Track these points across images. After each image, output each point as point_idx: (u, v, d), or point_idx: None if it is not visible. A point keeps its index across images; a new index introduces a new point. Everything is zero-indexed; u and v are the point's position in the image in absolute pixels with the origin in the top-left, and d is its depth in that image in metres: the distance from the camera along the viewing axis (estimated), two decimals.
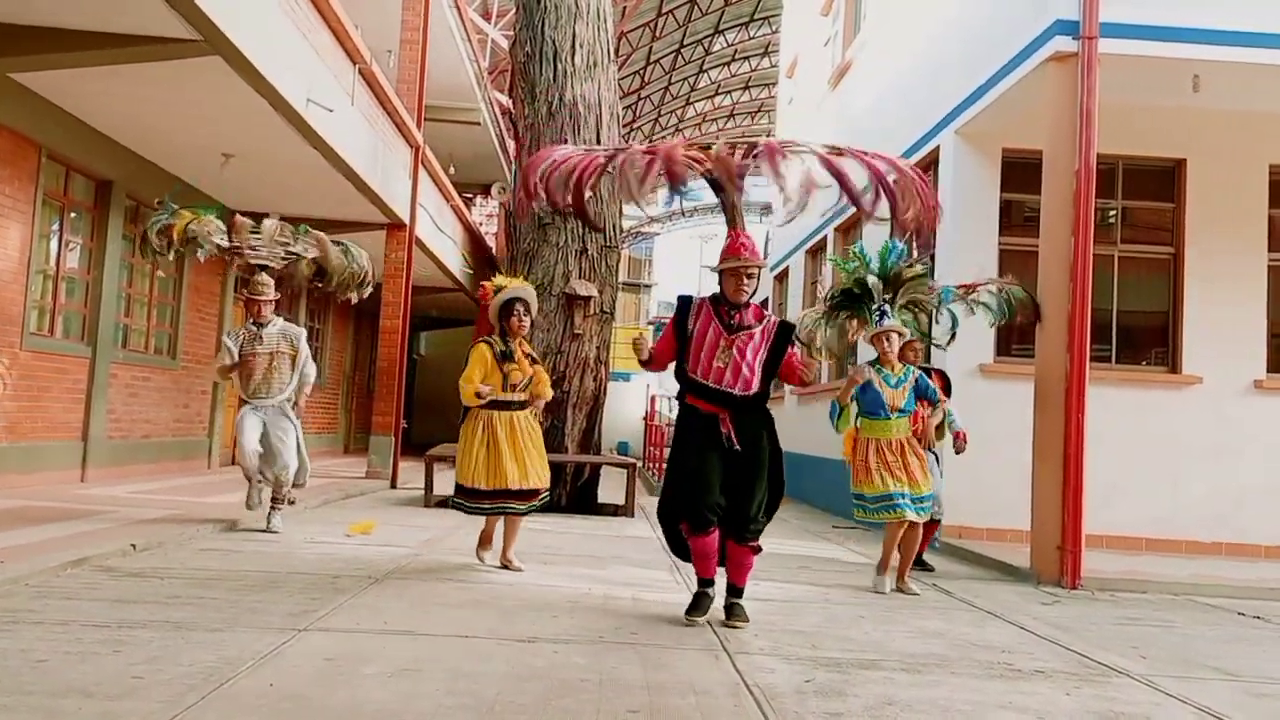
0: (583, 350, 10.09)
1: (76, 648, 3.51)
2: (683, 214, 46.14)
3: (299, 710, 2.94)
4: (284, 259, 7.28)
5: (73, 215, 9.49)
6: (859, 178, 4.70)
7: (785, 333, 4.86)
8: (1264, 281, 9.05)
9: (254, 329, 6.99)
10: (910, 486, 5.93)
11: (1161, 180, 9.18)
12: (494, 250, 22.18)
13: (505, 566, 5.94)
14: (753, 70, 36.52)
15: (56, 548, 5.44)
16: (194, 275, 11.75)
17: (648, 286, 46.04)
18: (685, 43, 32.84)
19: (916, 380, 6.10)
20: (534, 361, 6.04)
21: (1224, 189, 9.00)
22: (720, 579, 4.87)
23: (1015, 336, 8.95)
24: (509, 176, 19.48)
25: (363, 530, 7.37)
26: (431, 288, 18.19)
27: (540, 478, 5.89)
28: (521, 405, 5.92)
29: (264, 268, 7.14)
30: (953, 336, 7.32)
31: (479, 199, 24.88)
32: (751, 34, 32.97)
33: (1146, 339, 9.30)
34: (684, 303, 4.91)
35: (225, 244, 7.10)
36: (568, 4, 10.29)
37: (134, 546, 5.75)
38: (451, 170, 18.47)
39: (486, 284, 6.11)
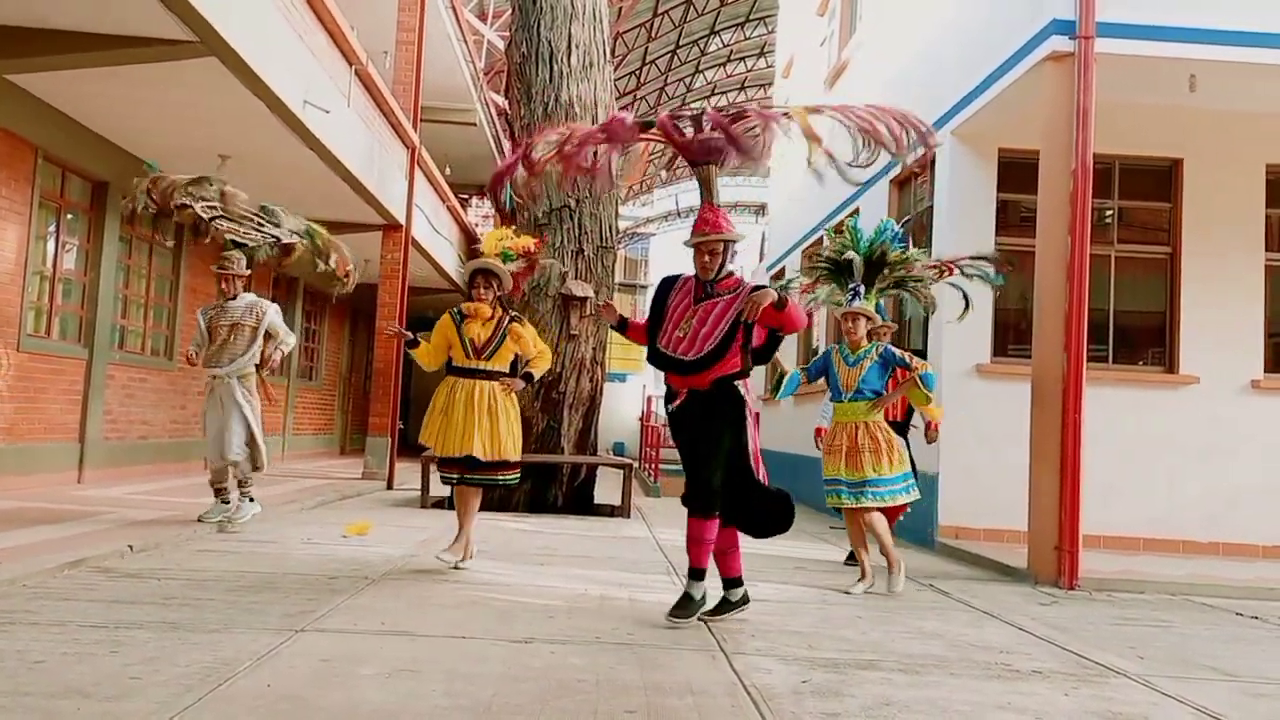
0: (579, 351, 10.10)
1: (74, 648, 3.51)
2: (679, 214, 46.23)
3: (296, 711, 2.94)
4: (262, 240, 7.26)
5: (69, 217, 9.48)
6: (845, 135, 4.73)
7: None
8: (1261, 281, 9.06)
9: (220, 303, 7.12)
10: (849, 473, 5.98)
11: (1158, 180, 9.19)
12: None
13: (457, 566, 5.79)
14: (748, 71, 36.58)
15: (53, 549, 5.43)
16: (190, 277, 11.74)
17: (643, 287, 46.03)
18: (681, 43, 32.89)
19: (881, 355, 6.08)
20: (511, 336, 5.84)
21: (1221, 189, 9.01)
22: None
23: (1012, 337, 8.96)
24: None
25: (359, 531, 7.36)
26: (428, 289, 18.19)
27: (496, 451, 5.68)
28: (488, 375, 5.77)
29: (238, 244, 7.15)
30: (967, 307, 7.35)
31: (475, 200, 24.88)
32: (747, 34, 33.02)
33: (1143, 339, 9.31)
34: (668, 281, 4.86)
35: (209, 211, 7.01)
36: (563, 5, 10.29)
37: (131, 548, 5.74)
38: (447, 171, 18.46)
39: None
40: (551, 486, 10.01)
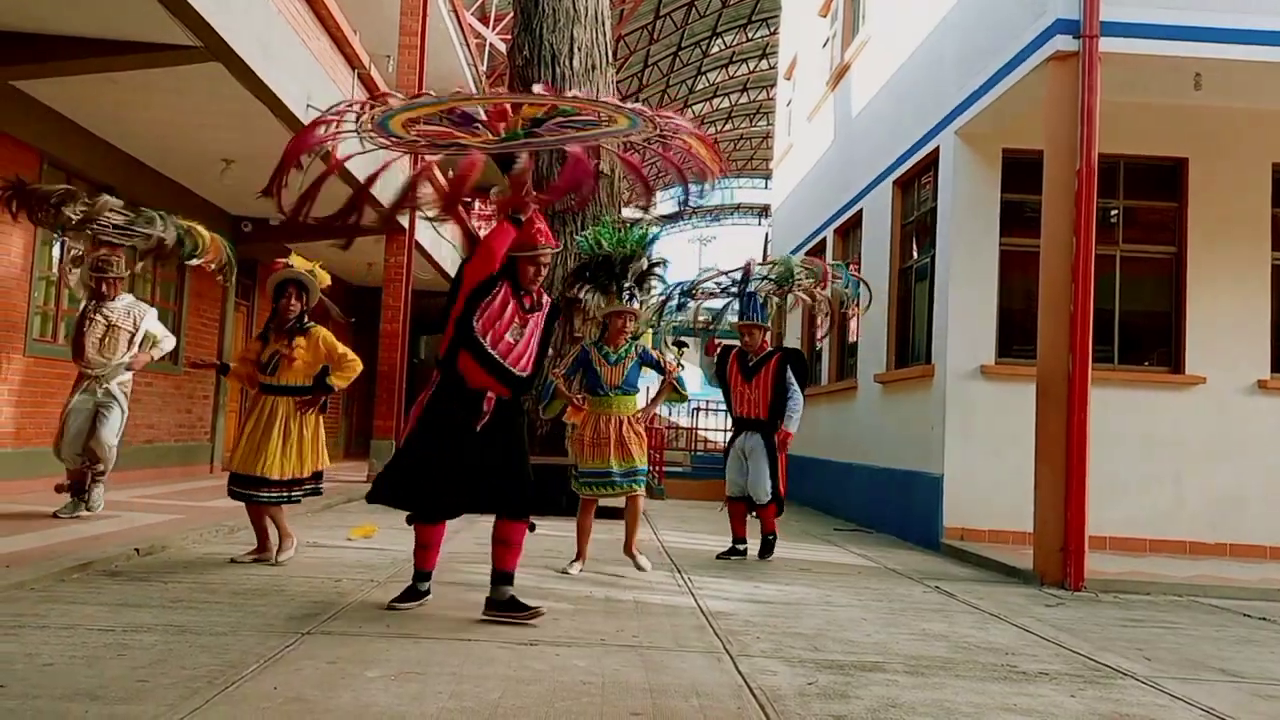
0: None
1: (82, 651, 3.52)
2: (681, 216, 46.19)
3: (303, 713, 2.94)
4: (126, 236, 7.24)
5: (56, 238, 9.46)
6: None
7: (555, 314, 4.81)
8: (1268, 281, 9.03)
9: (96, 304, 7.18)
10: (619, 462, 6.16)
11: (1164, 179, 9.17)
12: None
13: (275, 561, 5.80)
14: (750, 72, 36.59)
15: (61, 553, 5.45)
16: (195, 281, 11.76)
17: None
18: (683, 45, 32.91)
19: (640, 354, 6.38)
20: (292, 345, 5.79)
21: (1227, 188, 8.99)
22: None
23: (1017, 337, 8.95)
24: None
25: (364, 534, 7.37)
26: (431, 292, 18.18)
27: (298, 469, 5.71)
28: (286, 391, 5.74)
29: (112, 245, 7.18)
30: (857, 300, 8.07)
31: (477, 203, 24.89)
32: (749, 36, 33.04)
33: (1149, 339, 9.28)
34: (493, 278, 4.57)
35: (76, 216, 7.01)
36: (565, 7, 10.31)
37: (138, 551, 5.75)
38: (450, 174, 18.45)
39: (280, 261, 5.99)
40: (555, 490, 9.99)
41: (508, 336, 4.52)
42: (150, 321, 7.43)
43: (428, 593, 4.71)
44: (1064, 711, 3.47)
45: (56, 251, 9.21)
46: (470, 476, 4.44)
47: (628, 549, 6.45)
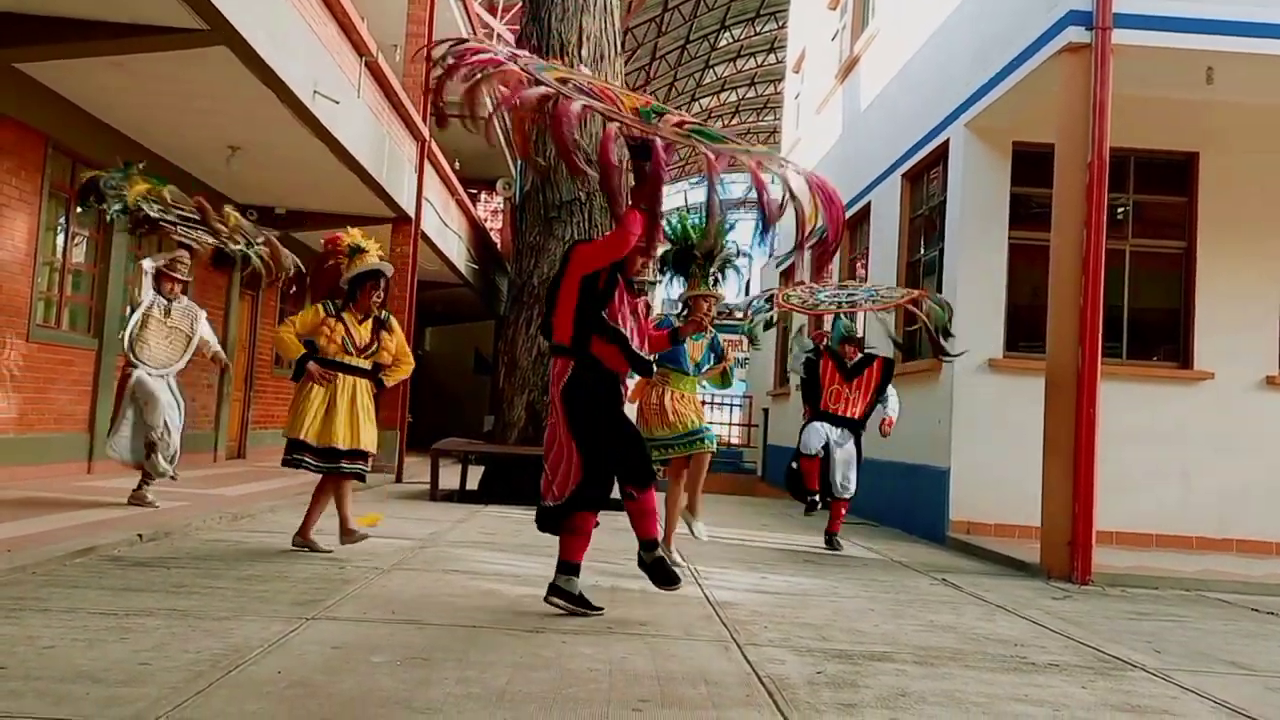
0: None
1: (83, 634, 3.49)
2: (688, 211, 46.06)
3: (307, 697, 2.91)
4: (209, 242, 7.36)
5: (79, 210, 9.46)
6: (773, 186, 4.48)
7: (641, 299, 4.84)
8: (1278, 276, 8.98)
9: (165, 302, 7.20)
10: (672, 430, 6.25)
11: (1174, 174, 9.11)
12: (499, 246, 22.15)
13: (348, 539, 5.82)
14: (759, 66, 36.45)
15: (63, 538, 5.42)
16: (200, 270, 11.70)
17: (653, 283, 45.94)
18: (691, 38, 32.75)
19: (712, 340, 6.54)
20: (381, 338, 5.89)
21: (1238, 183, 8.92)
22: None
23: (1025, 332, 8.90)
24: (514, 172, 19.48)
25: (369, 523, 7.31)
26: (436, 283, 18.17)
27: (367, 442, 5.80)
28: (363, 373, 5.82)
29: (187, 247, 7.26)
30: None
31: (484, 195, 24.85)
32: (758, 29, 32.90)
33: (1158, 335, 9.23)
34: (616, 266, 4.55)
35: (167, 216, 7.12)
36: None
37: (140, 537, 5.73)
38: (457, 165, 18.44)
39: (341, 234, 5.92)
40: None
41: (630, 323, 4.52)
42: (204, 327, 7.46)
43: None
44: (1075, 702, 3.44)
45: (61, 239, 9.19)
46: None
47: (690, 514, 6.51)
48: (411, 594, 4.70)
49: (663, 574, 4.55)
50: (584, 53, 10.17)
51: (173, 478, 7.36)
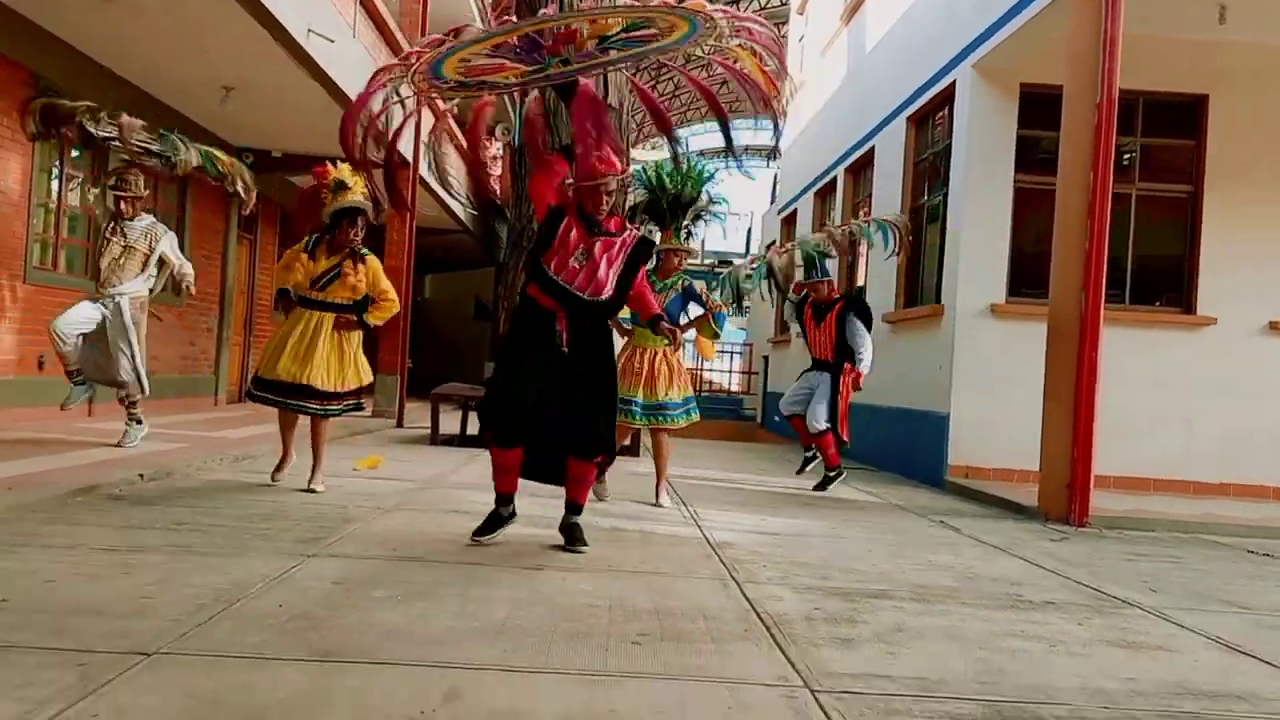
0: None
1: (85, 570, 3.50)
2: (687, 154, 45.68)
3: (310, 629, 2.93)
4: (148, 157, 7.19)
5: (74, 154, 9.36)
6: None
7: (643, 248, 4.62)
8: None
9: (115, 224, 7.11)
10: (645, 396, 6.27)
11: (1183, 116, 9.00)
12: (499, 191, 21.97)
13: (309, 489, 5.79)
14: (763, 8, 35.86)
15: (64, 477, 5.43)
16: (196, 211, 11.65)
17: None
18: None
19: (685, 288, 6.51)
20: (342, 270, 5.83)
21: (1248, 126, 8.82)
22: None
23: (1028, 277, 8.85)
24: (512, 116, 19.25)
25: (370, 465, 7.36)
26: (435, 229, 18.03)
27: (341, 382, 5.75)
28: (333, 308, 5.78)
29: (132, 164, 7.15)
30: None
31: (483, 140, 24.57)
32: None
33: (1162, 281, 9.18)
34: (556, 210, 4.51)
35: (100, 133, 6.98)
36: None
37: (142, 476, 5.74)
38: (455, 110, 18.21)
39: (329, 167, 5.88)
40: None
41: (571, 263, 4.43)
42: (167, 245, 7.27)
43: (513, 515, 4.62)
44: (1071, 638, 3.46)
45: (55, 184, 9.10)
46: (547, 406, 4.40)
47: (656, 486, 6.43)
48: (413, 533, 4.72)
49: (570, 538, 4.52)
50: None
51: (136, 396, 7.30)
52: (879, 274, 11.15)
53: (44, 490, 4.97)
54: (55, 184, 9.07)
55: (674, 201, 6.39)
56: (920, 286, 10.20)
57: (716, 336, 6.73)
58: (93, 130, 6.89)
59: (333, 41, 8.84)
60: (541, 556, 4.31)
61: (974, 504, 7.59)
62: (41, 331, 8.70)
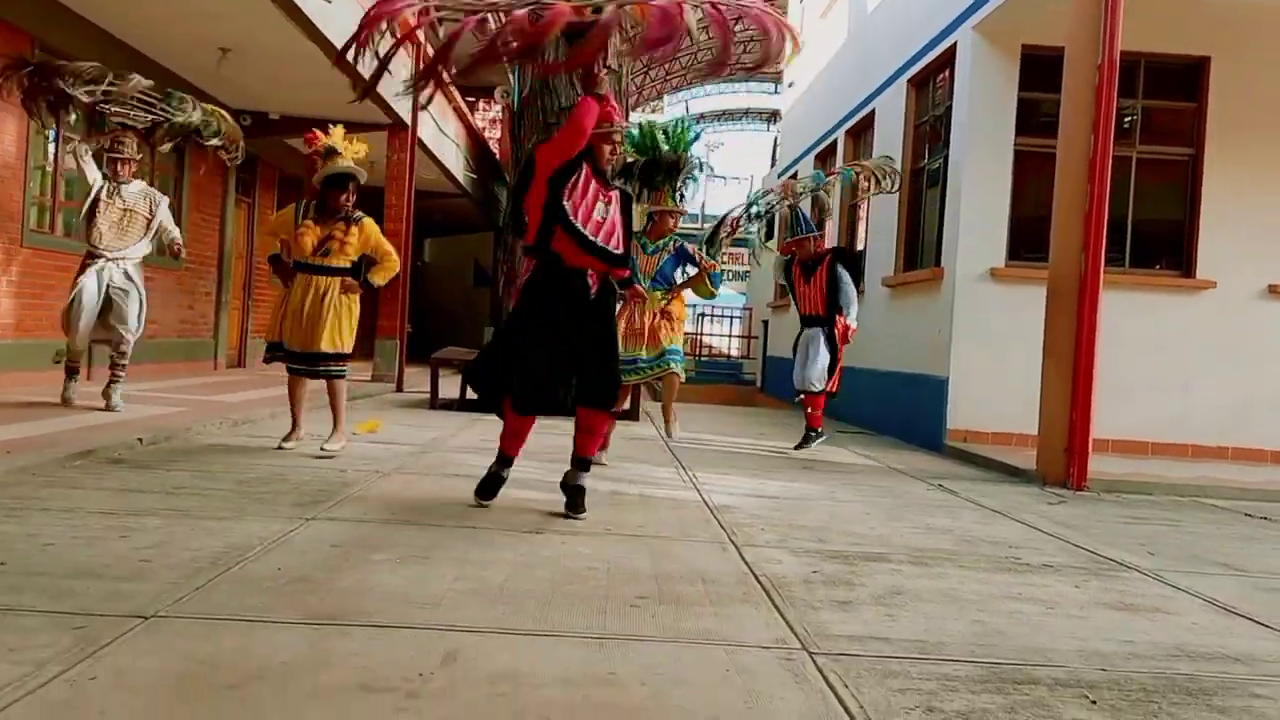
0: None
1: (84, 533, 3.51)
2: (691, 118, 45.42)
3: (308, 592, 2.93)
4: (148, 119, 7.15)
5: (72, 117, 9.25)
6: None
7: (628, 203, 4.63)
8: None
9: (114, 185, 7.04)
10: (648, 350, 6.49)
11: (1184, 79, 8.91)
12: (498, 155, 21.83)
13: (326, 445, 5.85)
14: None
15: (62, 441, 5.44)
16: (194, 175, 11.56)
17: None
18: None
19: (677, 250, 6.62)
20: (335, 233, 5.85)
21: (1249, 88, 8.74)
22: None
23: (1028, 241, 8.81)
24: (512, 80, 19.10)
25: (369, 429, 7.37)
26: (434, 193, 17.93)
27: (329, 343, 5.80)
28: (336, 272, 5.84)
29: (128, 127, 7.08)
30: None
31: (482, 103, 24.39)
32: None
33: (1161, 245, 9.14)
34: (576, 158, 4.37)
35: (90, 97, 6.88)
36: None
37: (140, 441, 5.74)
38: (454, 70, 18.03)
39: (318, 133, 5.90)
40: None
41: (595, 215, 4.37)
42: (164, 211, 7.27)
43: (505, 480, 4.62)
44: (1068, 601, 3.47)
45: (52, 147, 9.02)
46: (568, 366, 4.38)
47: (665, 423, 6.98)
48: (411, 496, 4.73)
49: (572, 502, 4.46)
50: None
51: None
52: (879, 236, 11.10)
53: (42, 454, 4.97)
54: (51, 146, 8.99)
55: (670, 164, 6.38)
56: (920, 250, 10.16)
57: (713, 296, 6.84)
58: (71, 92, 6.74)
59: (330, 2, 8.73)
60: (541, 520, 4.32)
61: (972, 468, 7.61)
62: (40, 295, 8.69)
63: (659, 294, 6.53)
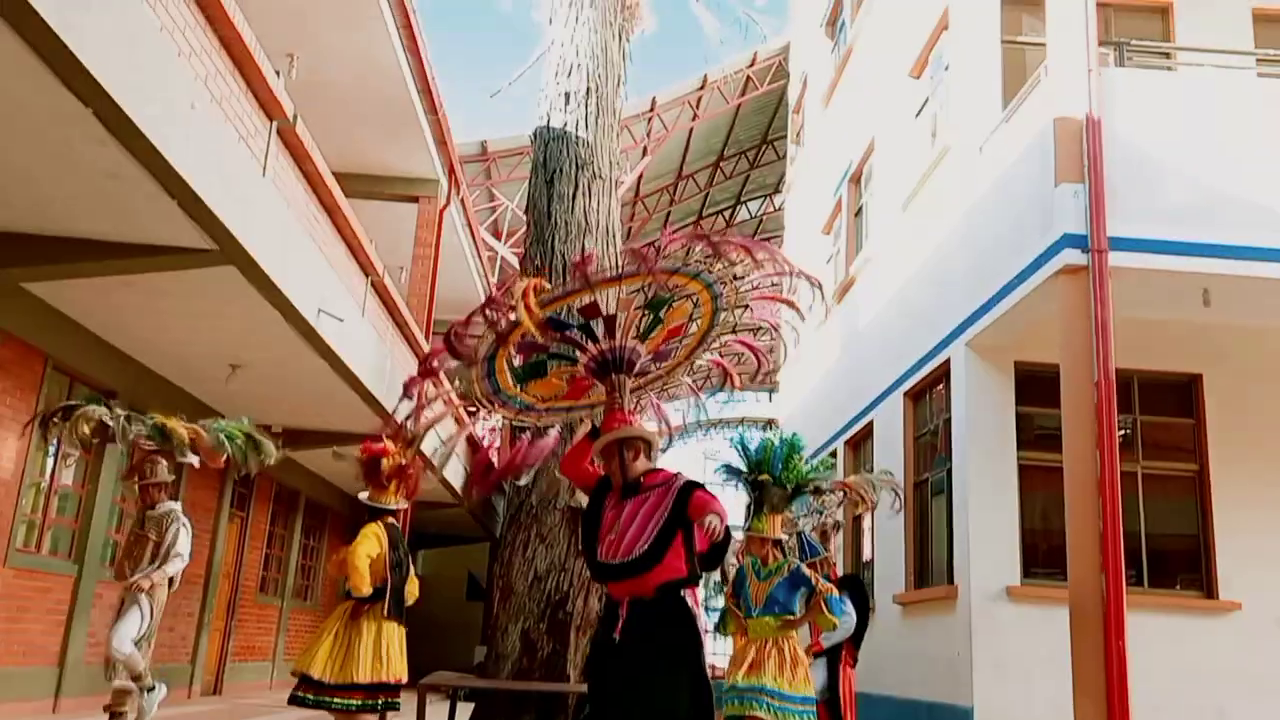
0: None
1: None
2: (684, 428, 46.29)
3: None
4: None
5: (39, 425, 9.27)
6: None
7: (687, 494, 4.09)
8: None
9: (142, 516, 7.05)
10: (745, 679, 5.77)
11: (1179, 395, 9.05)
12: (497, 464, 21.90)
13: None
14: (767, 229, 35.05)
15: None
16: (190, 490, 11.46)
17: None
18: (705, 213, 30.34)
19: (792, 572, 6.02)
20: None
21: (1244, 404, 8.84)
22: None
23: (1041, 556, 8.56)
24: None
25: None
26: (433, 503, 17.83)
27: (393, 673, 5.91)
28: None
29: (156, 452, 7.13)
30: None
31: (482, 413, 24.84)
32: (776, 205, 29.99)
33: (1176, 561, 8.88)
34: (604, 481, 4.35)
35: (152, 446, 7.01)
36: (577, 220, 10.50)
37: None
38: (456, 384, 18.51)
39: (386, 445, 6.48)
40: (558, 718, 9.33)
41: (610, 536, 4.12)
42: (181, 541, 7.04)
43: None
44: None
45: (51, 461, 8.98)
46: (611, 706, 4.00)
47: None
48: None
49: None
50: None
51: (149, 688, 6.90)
52: (886, 552, 10.85)
53: None
54: (50, 461, 8.93)
55: (779, 497, 6.13)
56: (930, 565, 9.87)
57: (834, 627, 6.15)
58: (110, 424, 6.91)
59: (342, 320, 9.02)
60: None
61: None
62: (15, 619, 8.28)
63: (770, 620, 5.93)
